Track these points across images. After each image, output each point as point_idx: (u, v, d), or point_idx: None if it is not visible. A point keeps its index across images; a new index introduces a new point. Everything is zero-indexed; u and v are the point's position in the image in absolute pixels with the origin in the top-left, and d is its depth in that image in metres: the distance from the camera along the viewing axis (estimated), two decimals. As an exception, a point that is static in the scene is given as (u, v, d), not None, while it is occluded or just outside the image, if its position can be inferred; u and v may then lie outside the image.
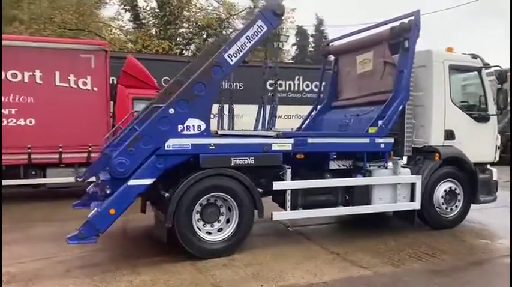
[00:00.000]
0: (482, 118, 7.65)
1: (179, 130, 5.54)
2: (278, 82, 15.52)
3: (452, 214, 7.37)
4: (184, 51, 20.13)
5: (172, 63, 14.57)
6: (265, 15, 5.94)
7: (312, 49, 38.47)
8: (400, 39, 7.03)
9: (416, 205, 6.89)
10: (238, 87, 15.12)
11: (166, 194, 5.49)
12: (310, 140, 6.21)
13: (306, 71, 16.23)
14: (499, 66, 7.48)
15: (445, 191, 7.25)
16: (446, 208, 7.30)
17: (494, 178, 7.79)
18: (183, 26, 20.07)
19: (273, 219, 6.12)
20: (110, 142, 7.46)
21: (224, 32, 19.71)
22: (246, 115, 14.73)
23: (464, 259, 5.87)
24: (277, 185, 6.02)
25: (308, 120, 9.01)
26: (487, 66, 7.58)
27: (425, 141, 7.29)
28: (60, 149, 10.03)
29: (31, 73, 9.90)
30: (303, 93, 16.12)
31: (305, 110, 15.17)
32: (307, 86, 16.19)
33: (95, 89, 10.38)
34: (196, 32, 19.84)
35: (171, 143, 5.45)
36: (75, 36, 17.98)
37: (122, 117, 10.74)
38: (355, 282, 4.90)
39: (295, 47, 38.78)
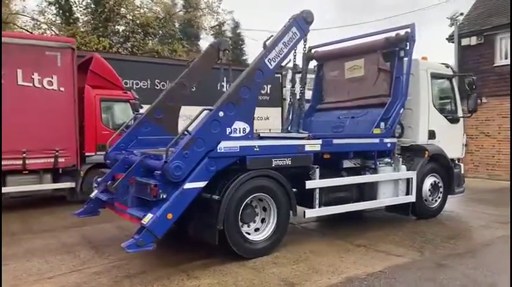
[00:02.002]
0: (454, 119, 8.77)
1: (227, 133, 5.60)
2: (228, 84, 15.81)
3: (436, 205, 8.34)
4: (120, 50, 19.22)
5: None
6: (299, 23, 6.25)
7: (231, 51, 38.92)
8: (394, 48, 7.76)
9: (412, 198, 7.69)
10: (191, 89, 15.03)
11: (217, 197, 5.50)
12: (335, 141, 6.63)
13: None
14: (470, 75, 8.63)
15: (431, 184, 8.18)
16: (432, 200, 8.24)
17: (462, 172, 8.96)
18: (120, 23, 19.11)
19: (306, 217, 6.43)
20: (116, 146, 7.15)
21: (161, 32, 19.41)
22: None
23: (470, 242, 6.78)
24: (309, 184, 6.34)
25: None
26: (458, 74, 8.69)
27: (413, 141, 8.12)
28: (24, 155, 9.19)
29: (-11, 71, 8.93)
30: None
31: (257, 112, 15.57)
32: (257, 88, 16.57)
33: (61, 89, 9.68)
34: (133, 30, 19.06)
35: (223, 146, 5.50)
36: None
37: (89, 120, 10.24)
38: (407, 268, 5.43)
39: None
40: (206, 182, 5.42)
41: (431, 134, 8.28)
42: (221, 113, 5.53)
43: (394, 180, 7.52)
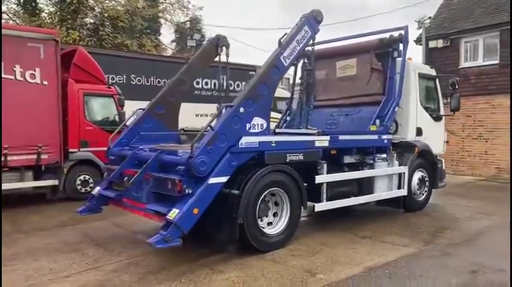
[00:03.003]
0: (438, 117, 9.29)
1: (247, 128, 5.68)
2: (204, 81, 15.86)
3: (422, 198, 8.82)
4: (89, 43, 18.48)
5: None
6: (310, 22, 6.43)
7: (190, 46, 38.43)
8: (388, 49, 8.11)
9: (405, 192, 8.11)
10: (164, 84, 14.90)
11: (236, 192, 5.57)
12: (340, 137, 6.86)
13: (229, 70, 16.66)
14: (453, 76, 9.17)
15: (419, 179, 8.64)
16: (419, 193, 8.70)
17: (443, 167, 9.51)
18: (89, 15, 18.36)
19: (316, 210, 6.61)
20: (118, 141, 7.01)
21: (132, 24, 18.89)
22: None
23: (462, 231, 7.23)
24: (319, 179, 6.54)
25: (284, 118, 9.59)
26: (442, 75, 9.20)
27: (403, 137, 8.51)
28: (5, 151, 8.77)
29: (-32, 62, 8.44)
30: (227, 93, 16.50)
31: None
32: (230, 85, 16.65)
33: (44, 82, 9.29)
34: (102, 23, 18.39)
35: (244, 141, 5.58)
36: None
37: (73, 115, 9.91)
38: (417, 257, 5.76)
39: (174, 43, 38.31)
40: (228, 177, 5.48)
41: (419, 131, 8.74)
42: (242, 109, 5.60)
43: (389, 175, 7.88)
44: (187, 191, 5.17)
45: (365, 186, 7.51)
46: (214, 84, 16.08)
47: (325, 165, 6.65)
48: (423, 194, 8.81)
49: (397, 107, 7.87)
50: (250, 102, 5.71)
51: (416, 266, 5.40)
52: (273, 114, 17.95)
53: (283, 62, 6.09)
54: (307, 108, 6.96)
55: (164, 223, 5.11)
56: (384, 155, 7.79)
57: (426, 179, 8.83)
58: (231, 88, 16.56)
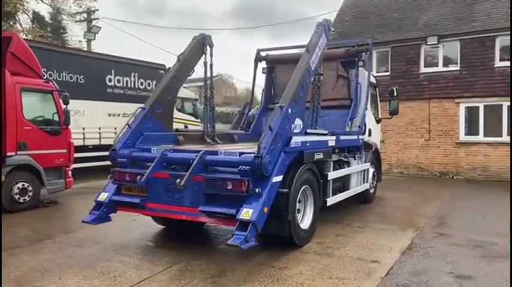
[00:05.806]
0: (379, 120, 10.64)
1: (292, 129, 5.92)
2: (117, 78, 15.03)
3: (372, 191, 10.01)
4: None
5: None
6: (326, 30, 6.94)
7: (49, 38, 34.88)
8: (354, 59, 9.06)
9: (368, 186, 9.16)
10: (78, 81, 13.65)
11: (286, 190, 5.75)
12: (341, 137, 7.50)
13: (141, 68, 15.96)
14: (391, 85, 10.61)
15: (372, 173, 9.80)
16: (372, 187, 9.87)
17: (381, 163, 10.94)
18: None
19: (328, 205, 7.10)
20: (124, 143, 6.48)
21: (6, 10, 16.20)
22: (86, 112, 13.55)
23: (428, 215, 8.54)
24: (330, 175, 7.08)
25: (244, 119, 9.87)
26: (383, 84, 10.57)
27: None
28: None
29: None
30: (139, 91, 15.79)
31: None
32: (142, 83, 15.96)
33: (-20, 74, 7.90)
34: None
35: (294, 141, 5.80)
36: None
37: (10, 113, 8.56)
38: (425, 239, 6.71)
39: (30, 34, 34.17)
40: (283, 176, 5.64)
41: (370, 132, 9.91)
42: (290, 110, 5.81)
43: (360, 171, 8.82)
44: (256, 190, 5.18)
45: (346, 181, 8.29)
46: (127, 82, 15.23)
47: (332, 163, 7.21)
48: (373, 187, 10.02)
49: (366, 110, 8.85)
50: (294, 104, 5.95)
51: (433, 246, 6.34)
52: (180, 115, 17.73)
53: (311, 66, 6.48)
54: (316, 110, 7.41)
55: (239, 223, 5.03)
56: (359, 154, 8.69)
57: (376, 174, 10.07)
58: (142, 87, 15.90)
